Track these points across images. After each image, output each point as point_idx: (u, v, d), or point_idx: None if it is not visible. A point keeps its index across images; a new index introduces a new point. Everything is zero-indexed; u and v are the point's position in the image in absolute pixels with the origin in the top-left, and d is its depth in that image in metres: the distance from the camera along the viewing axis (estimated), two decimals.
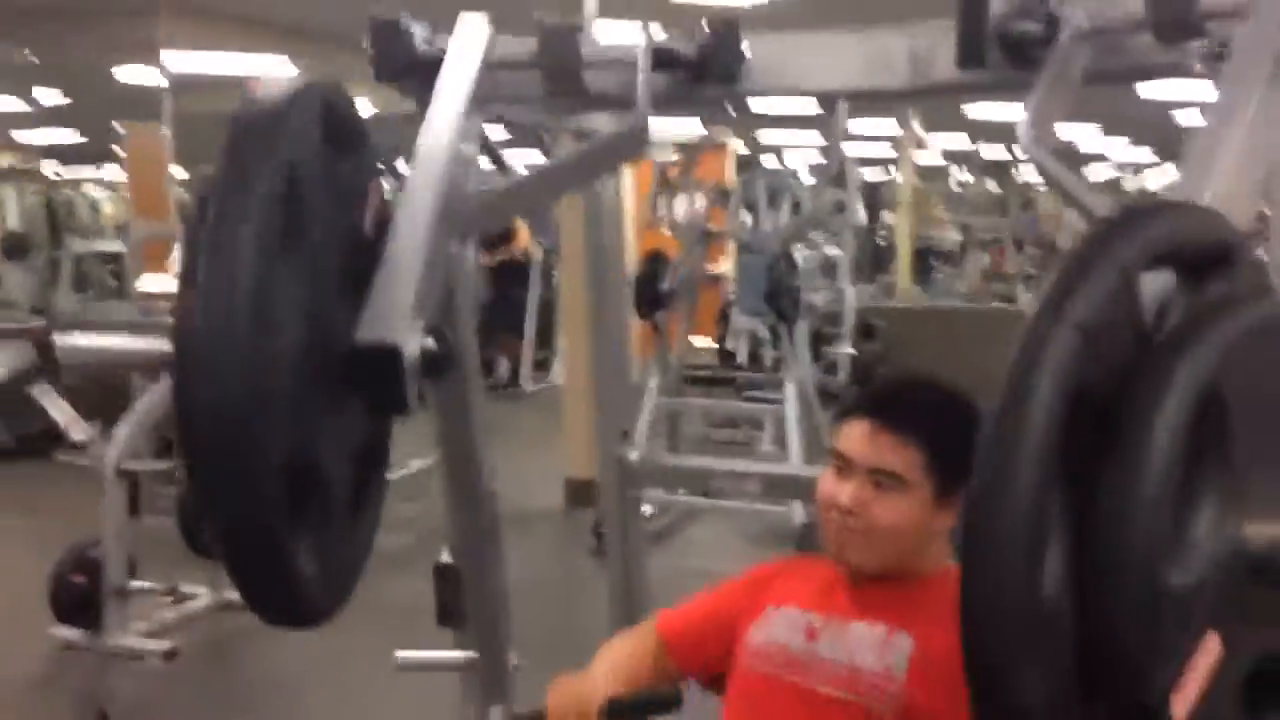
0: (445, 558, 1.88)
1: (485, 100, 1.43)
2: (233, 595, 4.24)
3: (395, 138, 1.67)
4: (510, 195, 1.35)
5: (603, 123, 1.91)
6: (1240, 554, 0.80)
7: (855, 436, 1.38)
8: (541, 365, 9.08)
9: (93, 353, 4.10)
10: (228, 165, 0.99)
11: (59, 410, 6.77)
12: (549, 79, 1.50)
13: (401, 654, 1.83)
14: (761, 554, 4.76)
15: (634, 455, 2.17)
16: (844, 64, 1.51)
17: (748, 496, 2.06)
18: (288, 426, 1.02)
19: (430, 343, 1.10)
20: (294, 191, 1.01)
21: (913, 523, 1.36)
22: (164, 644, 3.77)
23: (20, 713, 3.22)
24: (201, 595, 4.16)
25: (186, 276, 1.00)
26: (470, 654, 1.75)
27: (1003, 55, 1.35)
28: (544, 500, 5.72)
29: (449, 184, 1.21)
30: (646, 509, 5.03)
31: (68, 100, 11.26)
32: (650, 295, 5.04)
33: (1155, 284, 0.88)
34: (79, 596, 3.75)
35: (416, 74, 1.50)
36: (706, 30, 1.48)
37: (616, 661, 1.52)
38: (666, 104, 1.52)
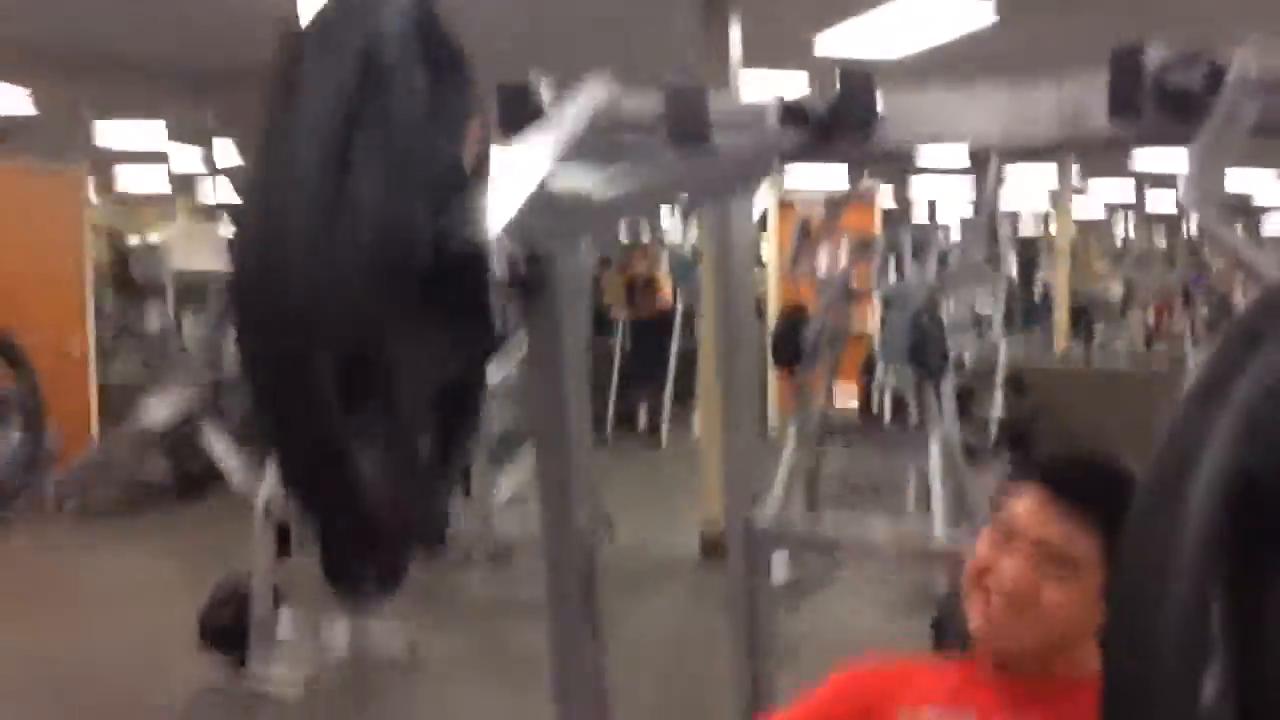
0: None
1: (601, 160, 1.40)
2: (370, 635, 4.35)
3: None
4: (630, 200, 1.30)
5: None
6: None
7: (1027, 505, 1.25)
8: (681, 418, 9.06)
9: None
10: (302, 55, 0.88)
11: (223, 449, 7.05)
12: (675, 138, 1.48)
13: None
14: (899, 621, 4.59)
15: (762, 519, 2.10)
16: (986, 115, 1.44)
17: (880, 565, 1.94)
18: (354, 326, 0.92)
19: (519, 258, 1.03)
20: (378, 87, 0.92)
21: (1077, 614, 1.22)
22: (299, 686, 3.85)
23: None
24: (339, 633, 4.24)
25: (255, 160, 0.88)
26: None
27: (1160, 106, 1.26)
28: (680, 551, 5.66)
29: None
30: (781, 575, 4.92)
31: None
32: (791, 349, 4.96)
33: None
34: (226, 631, 3.87)
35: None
36: (838, 85, 1.44)
37: None
38: (799, 158, 1.48)
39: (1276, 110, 1.22)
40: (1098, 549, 1.21)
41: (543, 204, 1.12)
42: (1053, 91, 1.41)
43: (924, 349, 4.72)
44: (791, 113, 1.44)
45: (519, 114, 1.48)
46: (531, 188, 1.12)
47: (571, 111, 1.37)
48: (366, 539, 1.00)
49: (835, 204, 5.02)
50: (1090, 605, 1.22)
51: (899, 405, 7.17)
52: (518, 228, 1.06)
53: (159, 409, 7.26)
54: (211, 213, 13.76)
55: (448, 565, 5.28)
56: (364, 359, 0.94)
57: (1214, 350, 0.73)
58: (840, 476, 7.07)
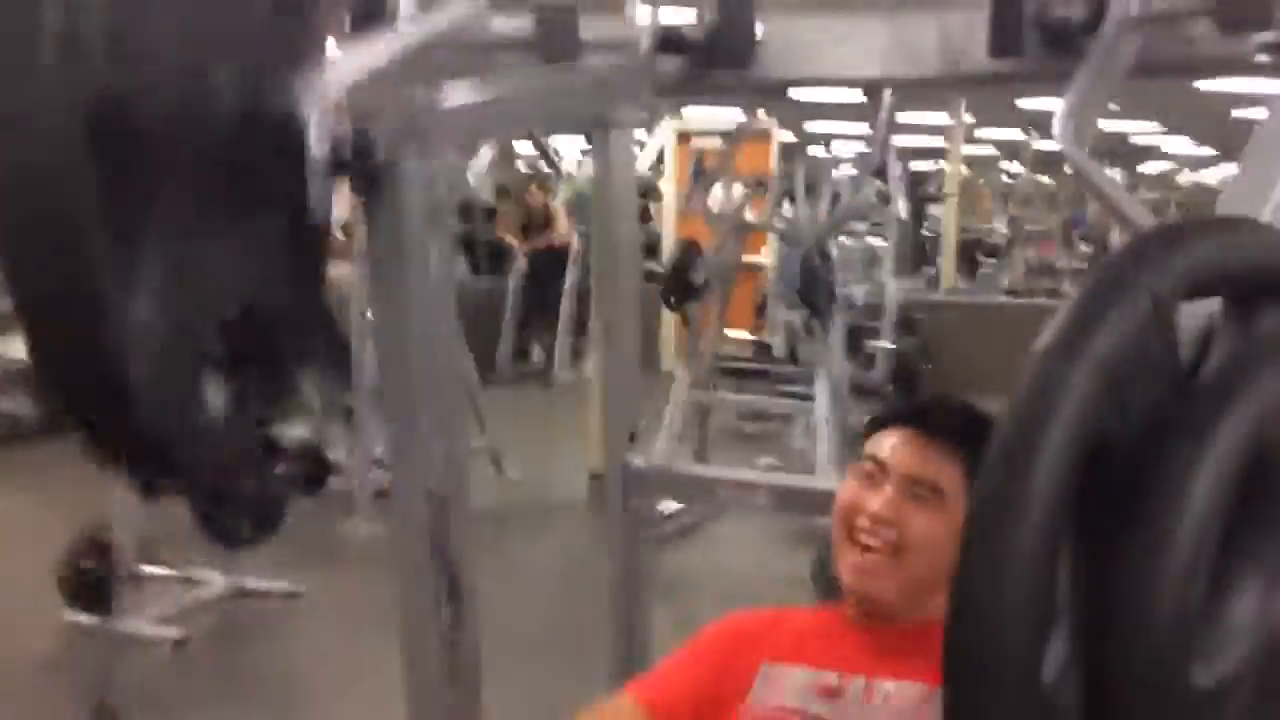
0: None
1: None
2: (248, 581, 4.22)
3: None
4: (486, 111, 1.21)
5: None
6: None
7: (893, 442, 1.25)
8: (577, 355, 8.98)
9: None
10: None
11: None
12: (544, 57, 1.38)
13: None
14: (783, 558, 4.65)
15: (640, 461, 2.05)
16: (869, 51, 1.39)
17: (757, 509, 1.92)
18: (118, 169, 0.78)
19: (348, 140, 0.92)
20: None
21: (945, 545, 1.20)
22: (175, 631, 3.72)
23: (26, 696, 3.19)
24: (215, 581, 4.11)
25: None
26: None
27: (1041, 43, 1.22)
28: (568, 492, 5.63)
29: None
30: (671, 505, 4.93)
31: None
32: (682, 286, 4.92)
33: (1197, 315, 0.75)
34: (90, 580, 3.71)
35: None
36: (715, 11, 1.37)
37: None
38: (674, 90, 1.41)
39: (1156, 50, 1.19)
40: (962, 483, 1.22)
41: (384, 95, 1.02)
42: (934, 25, 1.36)
43: (813, 288, 4.73)
44: (668, 39, 1.36)
45: (371, 14, 1.36)
46: (369, 68, 1.01)
47: (431, 19, 1.27)
48: (125, 433, 0.85)
49: (730, 139, 4.95)
50: (954, 537, 1.21)
51: (793, 344, 7.24)
52: (348, 108, 0.95)
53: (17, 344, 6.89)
54: None
55: (330, 507, 5.17)
56: (141, 206, 0.80)
57: (1074, 300, 0.68)
58: (731, 417, 7.14)
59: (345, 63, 1.02)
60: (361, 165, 0.97)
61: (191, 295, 0.87)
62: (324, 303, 1.17)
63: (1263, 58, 1.13)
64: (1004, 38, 1.22)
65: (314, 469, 5.08)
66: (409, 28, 1.22)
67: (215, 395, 0.91)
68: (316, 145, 0.92)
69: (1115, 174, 19.13)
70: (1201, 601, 0.62)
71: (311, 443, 5.13)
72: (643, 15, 1.41)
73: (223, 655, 3.78)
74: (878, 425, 1.32)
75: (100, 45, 0.75)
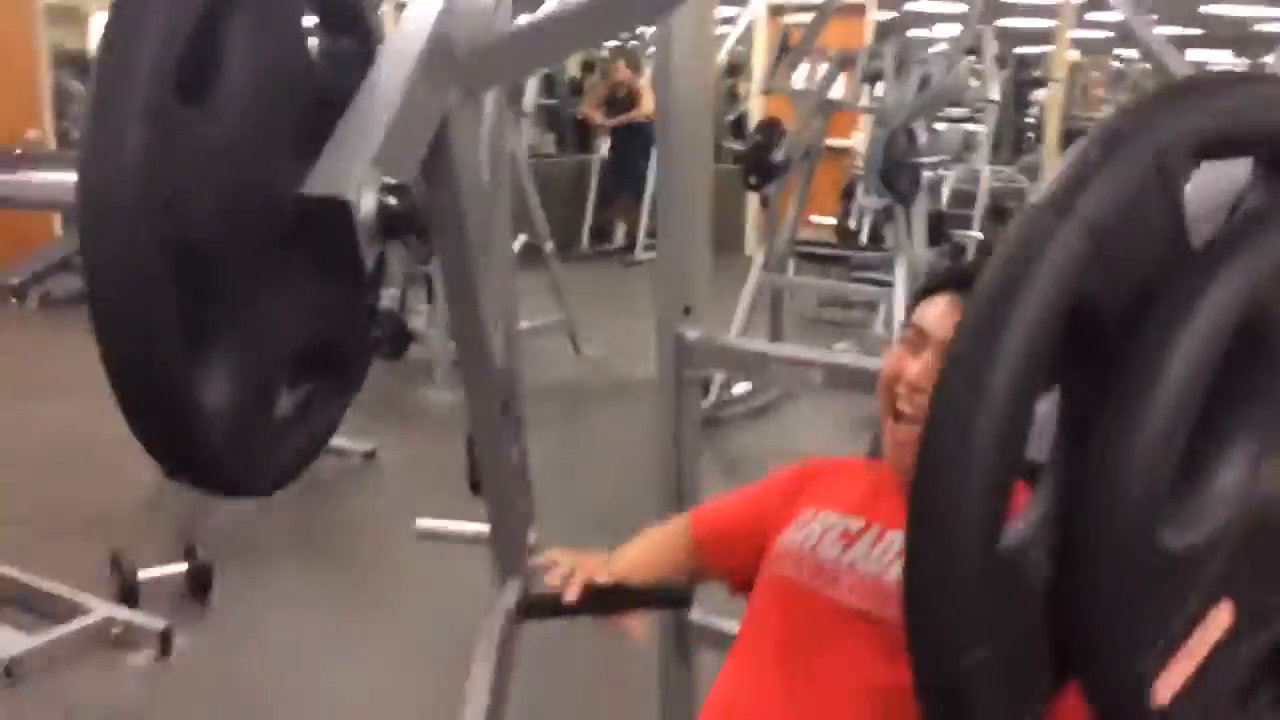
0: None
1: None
2: (330, 440, 4.37)
3: None
4: (526, 41, 1.21)
5: None
6: (1275, 511, 0.66)
7: (935, 309, 1.24)
8: (651, 234, 8.94)
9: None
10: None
11: None
12: None
13: (421, 523, 1.80)
14: (853, 437, 4.65)
15: (692, 333, 2.07)
16: None
17: (810, 388, 1.93)
18: (198, 260, 0.90)
19: (389, 199, 0.97)
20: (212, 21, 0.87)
21: None
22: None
23: (119, 537, 3.39)
24: None
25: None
26: (486, 528, 1.70)
27: None
28: (645, 368, 5.68)
29: (448, 24, 1.08)
30: (742, 385, 4.95)
31: None
32: (762, 165, 4.83)
33: (1230, 177, 0.72)
34: None
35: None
36: None
37: (645, 550, 1.45)
38: None
39: None
40: None
41: (452, 49, 1.06)
42: None
43: (896, 171, 4.61)
44: None
45: None
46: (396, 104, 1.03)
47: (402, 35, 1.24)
48: (201, 476, 1.00)
49: (819, 13, 4.78)
50: None
51: (876, 229, 7.09)
52: (383, 161, 1.00)
53: None
54: None
55: (410, 374, 5.31)
56: (215, 297, 0.92)
57: (1073, 154, 0.67)
58: (813, 304, 7.07)
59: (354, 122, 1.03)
60: (408, 223, 1.01)
61: (257, 356, 0.99)
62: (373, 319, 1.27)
63: None
64: None
65: (396, 336, 5.21)
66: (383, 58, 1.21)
67: (285, 406, 1.07)
68: (363, 214, 0.97)
69: (1242, 62, 17.99)
70: (1177, 468, 0.62)
71: (394, 311, 5.25)
72: None
73: (303, 508, 3.96)
74: (925, 293, 1.31)
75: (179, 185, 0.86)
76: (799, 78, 5.06)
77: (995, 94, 4.62)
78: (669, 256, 2.07)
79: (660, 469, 2.14)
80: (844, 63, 5.03)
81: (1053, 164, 11.17)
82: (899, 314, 4.69)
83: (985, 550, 0.59)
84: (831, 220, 7.38)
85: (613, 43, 9.95)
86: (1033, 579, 0.63)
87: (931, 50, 5.55)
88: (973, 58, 6.63)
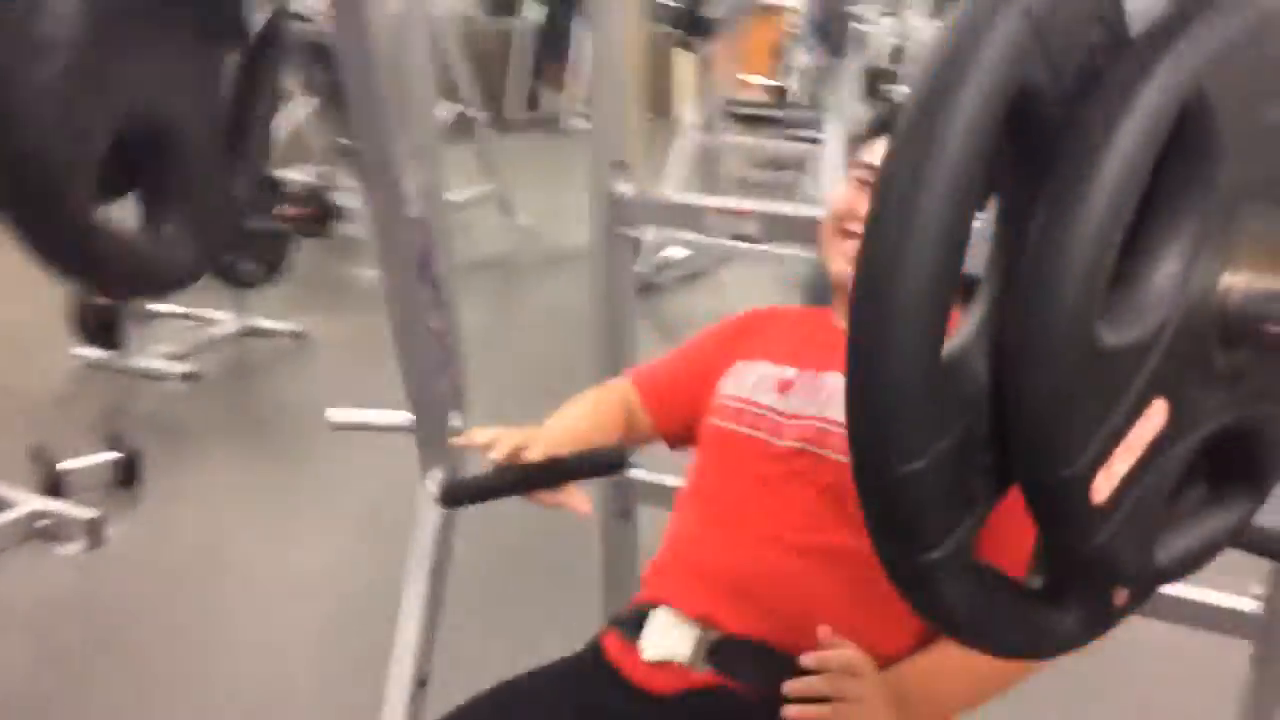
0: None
1: None
2: (257, 321, 4.29)
3: None
4: None
5: None
6: (1213, 308, 0.63)
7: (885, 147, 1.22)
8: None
9: None
10: None
11: None
12: None
13: (333, 414, 1.69)
14: (790, 298, 4.65)
15: (625, 189, 2.00)
16: None
17: (744, 239, 1.89)
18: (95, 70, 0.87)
19: None
20: None
21: None
22: (185, 366, 3.81)
23: (38, 427, 3.29)
24: (225, 321, 4.17)
25: None
26: (406, 416, 1.60)
27: None
28: (579, 238, 5.59)
29: None
30: (678, 252, 4.90)
31: None
32: (694, 22, 4.68)
33: None
34: (100, 317, 3.76)
35: None
36: None
37: (577, 418, 1.34)
38: None
39: None
40: None
41: None
42: None
43: (831, 24, 4.49)
44: None
45: None
46: None
47: None
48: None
49: None
50: None
51: (812, 89, 6.96)
52: None
53: None
54: None
55: (337, 252, 5.17)
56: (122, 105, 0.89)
57: None
58: (745, 166, 6.99)
59: None
60: None
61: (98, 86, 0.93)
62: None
63: None
64: None
65: (322, 212, 5.05)
66: None
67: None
68: None
69: None
70: (1115, 262, 0.58)
71: (319, 186, 5.07)
72: None
73: (232, 389, 3.88)
74: (873, 132, 1.29)
75: None
76: None
77: None
78: (601, 112, 1.98)
79: (595, 330, 2.09)
80: None
81: None
82: (833, 169, 4.64)
83: (928, 354, 0.56)
84: (763, 79, 7.23)
85: None
86: (972, 385, 0.60)
87: None
88: None
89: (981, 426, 0.60)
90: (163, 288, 1.10)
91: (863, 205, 1.19)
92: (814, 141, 5.05)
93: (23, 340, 4.15)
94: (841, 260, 1.26)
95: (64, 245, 0.93)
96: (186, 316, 4.16)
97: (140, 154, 1.02)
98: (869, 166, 1.24)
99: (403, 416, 1.62)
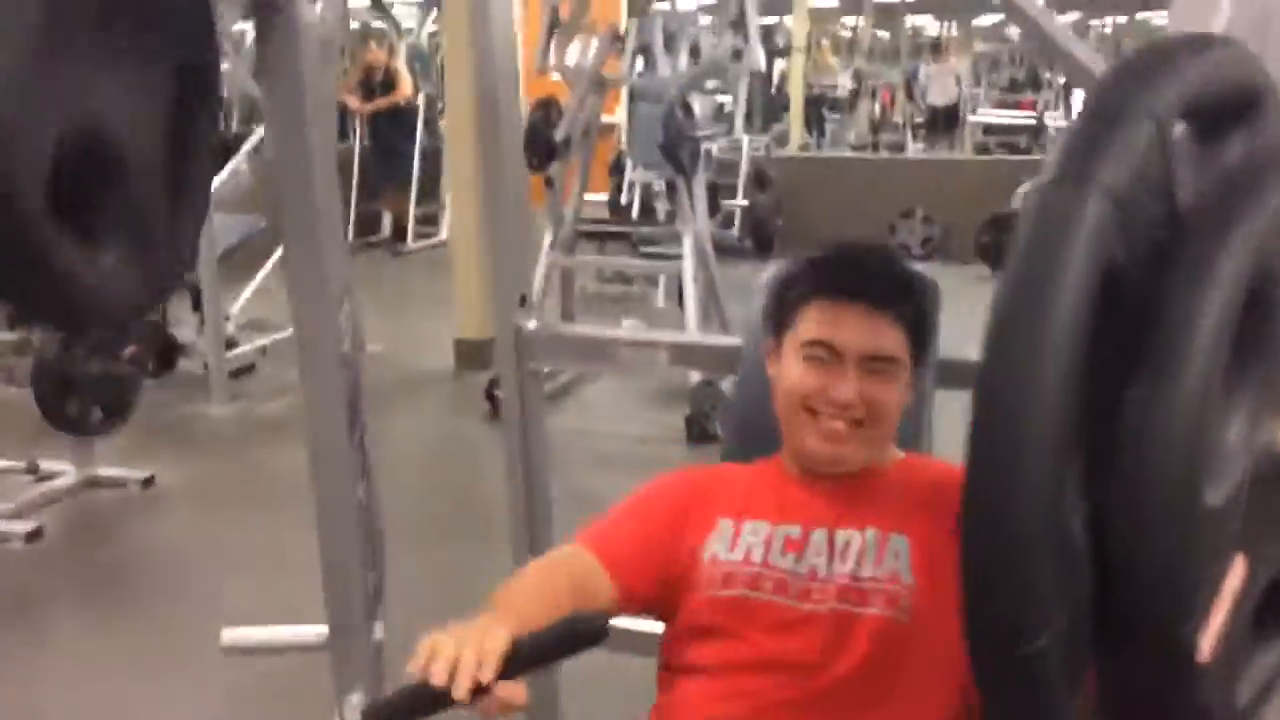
0: None
1: None
2: (101, 471, 4.02)
3: None
4: None
5: None
6: (1275, 459, 0.68)
7: (840, 322, 1.25)
8: (427, 220, 8.72)
9: None
10: None
11: None
12: None
13: (228, 635, 1.49)
14: (659, 414, 4.70)
15: (532, 324, 2.00)
16: None
17: (654, 366, 1.90)
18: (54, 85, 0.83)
19: None
20: None
21: (899, 405, 1.28)
22: (27, 524, 3.52)
23: None
24: (67, 472, 3.89)
25: None
26: (319, 630, 1.43)
27: None
28: (433, 363, 5.52)
29: None
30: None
31: None
32: (543, 146, 4.76)
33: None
34: None
35: None
36: None
37: (535, 596, 1.16)
38: None
39: None
40: (908, 339, 1.27)
41: None
42: None
43: (678, 144, 4.66)
44: None
45: None
46: None
47: None
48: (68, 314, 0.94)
49: None
50: (904, 395, 1.28)
51: (647, 203, 7.18)
52: None
53: None
54: None
55: (181, 391, 4.93)
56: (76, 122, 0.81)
57: (1075, 127, 0.65)
58: (593, 275, 7.09)
59: None
60: None
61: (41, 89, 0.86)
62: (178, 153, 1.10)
63: None
64: None
65: (162, 350, 4.82)
66: None
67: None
68: None
69: (942, 24, 19.32)
70: (1212, 426, 0.62)
71: (158, 323, 4.85)
72: None
73: (80, 546, 3.60)
74: (804, 297, 1.29)
75: None
76: (571, 55, 5.01)
77: (761, 64, 4.72)
78: (503, 248, 1.98)
79: (511, 465, 2.06)
80: (614, 39, 5.03)
81: (797, 129, 11.70)
82: (689, 285, 4.75)
83: (1050, 529, 0.58)
84: (603, 196, 7.40)
85: (359, 26, 9.59)
86: (1079, 552, 0.62)
87: (698, 24, 5.63)
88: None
89: (1087, 591, 0.62)
90: (103, 321, 1.00)
91: (833, 388, 1.23)
92: (668, 257, 5.17)
93: None
94: (815, 439, 1.26)
95: (6, 255, 0.85)
96: (24, 469, 3.86)
97: (81, 171, 0.93)
98: (824, 345, 1.25)
99: (312, 631, 1.43)
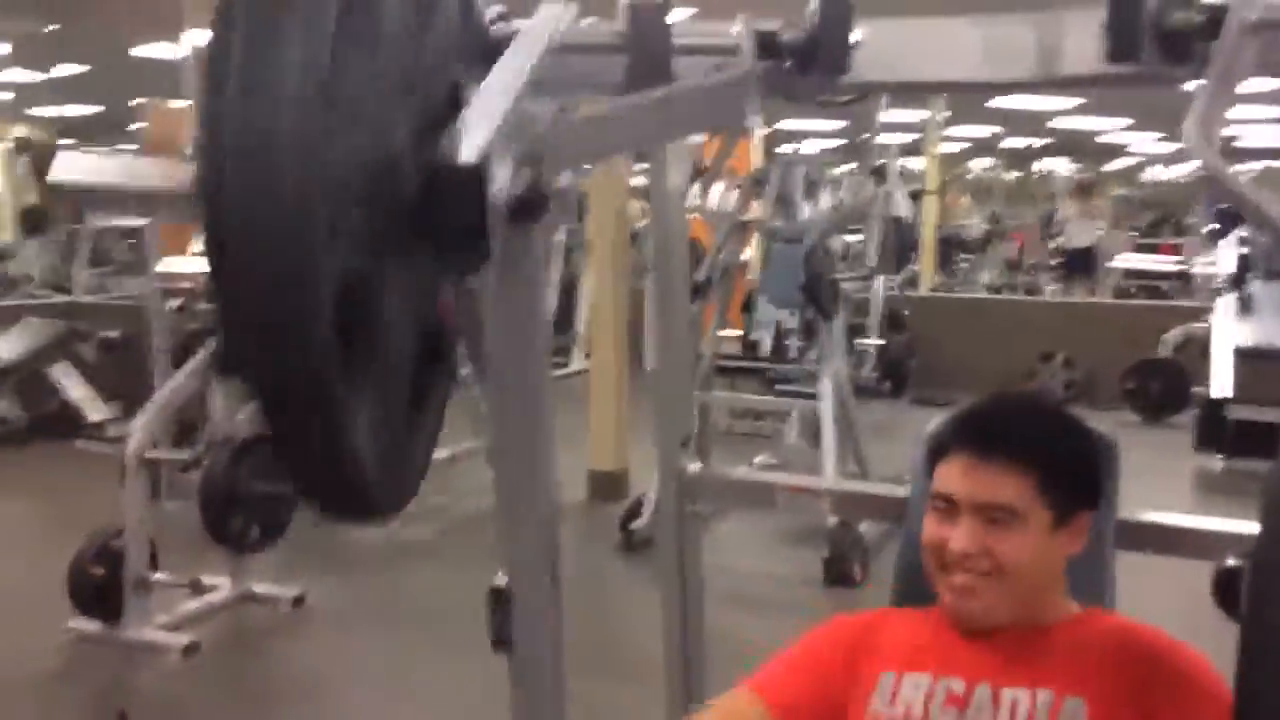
0: (500, 579, 1.75)
1: (557, 87, 1.28)
2: (255, 587, 4.16)
3: None
4: (599, 126, 1.18)
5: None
6: None
7: (955, 473, 1.26)
8: (560, 351, 8.94)
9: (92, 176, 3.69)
10: None
11: (77, 390, 6.63)
12: (635, 65, 1.36)
13: None
14: (795, 552, 4.65)
15: (695, 466, 2.04)
16: (965, 53, 1.37)
17: (817, 513, 1.91)
18: (345, 257, 0.79)
19: (523, 174, 0.92)
20: None
21: (1038, 556, 1.24)
22: (184, 638, 3.66)
23: (38, 708, 3.11)
24: (223, 587, 4.05)
25: (215, 56, 0.75)
26: None
27: (1157, 48, 1.21)
28: (567, 494, 5.59)
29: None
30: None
31: (85, 72, 11.13)
32: (693, 287, 4.89)
33: None
34: (99, 588, 3.64)
35: (486, 57, 1.38)
36: (815, 15, 1.34)
37: None
38: (766, 94, 1.38)
39: (1276, 50, 1.19)
40: (1034, 488, 1.23)
41: (532, 127, 1.02)
42: (1032, 26, 1.35)
43: (818, 285, 4.72)
44: (766, 43, 1.34)
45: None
46: (516, 108, 0.99)
47: (533, 32, 1.24)
48: (348, 500, 0.88)
49: (729, 135, 4.92)
50: (1045, 546, 1.25)
51: (778, 341, 7.24)
52: (523, 149, 0.95)
53: (3, 345, 6.78)
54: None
55: None
56: (355, 294, 0.82)
57: None
58: (721, 415, 7.12)
59: (486, 100, 0.99)
60: (536, 200, 0.96)
61: (395, 359, 0.90)
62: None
63: None
64: (1122, 43, 1.21)
65: None
66: (515, 49, 1.20)
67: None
68: (497, 192, 0.91)
69: (1076, 168, 19.31)
70: None
71: None
72: (736, 22, 1.38)
73: (232, 660, 3.72)
74: (941, 451, 1.31)
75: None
76: (713, 198, 5.18)
77: (903, 210, 4.81)
78: (667, 388, 2.04)
79: (664, 606, 2.08)
80: (755, 184, 5.18)
81: (929, 270, 11.68)
82: (828, 425, 4.75)
83: None
84: (735, 332, 7.49)
85: None
86: None
87: (840, 170, 5.76)
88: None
89: None
90: (379, 508, 0.91)
91: (954, 539, 1.23)
92: (805, 395, 5.18)
93: (15, 609, 3.98)
94: (950, 593, 1.26)
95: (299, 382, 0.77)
96: (183, 584, 4.03)
97: (351, 331, 0.86)
98: (943, 496, 1.26)
99: None
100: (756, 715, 1.28)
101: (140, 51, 8.44)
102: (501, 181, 0.92)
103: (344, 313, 0.78)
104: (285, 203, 0.71)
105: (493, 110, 0.95)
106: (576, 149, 1.23)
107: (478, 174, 0.89)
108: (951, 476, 1.27)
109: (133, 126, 10.51)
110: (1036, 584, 1.26)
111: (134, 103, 9.18)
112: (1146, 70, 1.23)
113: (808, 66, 1.35)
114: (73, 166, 3.74)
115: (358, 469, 0.81)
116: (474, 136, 0.91)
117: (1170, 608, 1.74)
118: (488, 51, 1.13)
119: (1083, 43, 1.28)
